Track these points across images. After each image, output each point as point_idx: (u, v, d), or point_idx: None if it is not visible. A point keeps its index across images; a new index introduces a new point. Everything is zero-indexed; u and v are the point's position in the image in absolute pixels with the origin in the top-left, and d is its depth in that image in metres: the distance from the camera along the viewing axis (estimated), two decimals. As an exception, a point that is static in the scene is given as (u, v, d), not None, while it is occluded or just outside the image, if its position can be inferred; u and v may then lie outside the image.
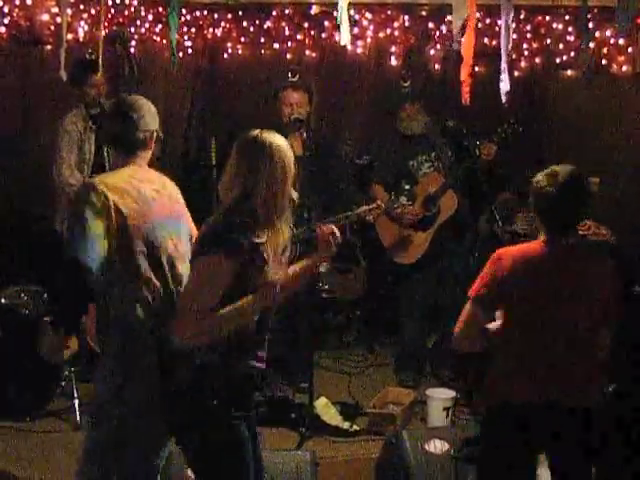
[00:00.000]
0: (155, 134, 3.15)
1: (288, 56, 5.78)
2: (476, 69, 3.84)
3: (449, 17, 4.32)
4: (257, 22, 5.72)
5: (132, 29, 5.57)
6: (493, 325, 3.01)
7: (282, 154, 2.73)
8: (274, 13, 5.69)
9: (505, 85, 3.47)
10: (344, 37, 3.65)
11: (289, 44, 5.75)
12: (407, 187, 4.89)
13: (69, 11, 4.90)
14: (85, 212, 2.91)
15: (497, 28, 5.17)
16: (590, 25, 5.46)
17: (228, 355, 2.70)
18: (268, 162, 2.70)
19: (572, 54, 5.66)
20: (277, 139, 2.77)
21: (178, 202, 3.25)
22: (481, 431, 3.17)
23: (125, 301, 2.97)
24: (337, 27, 5.25)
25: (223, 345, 2.68)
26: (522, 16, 5.55)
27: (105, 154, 4.95)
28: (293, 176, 2.77)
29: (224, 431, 2.75)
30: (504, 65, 3.46)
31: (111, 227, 2.92)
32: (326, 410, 4.49)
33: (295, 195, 2.80)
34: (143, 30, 5.61)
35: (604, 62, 5.63)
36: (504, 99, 3.50)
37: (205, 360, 2.68)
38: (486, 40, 5.49)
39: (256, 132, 2.76)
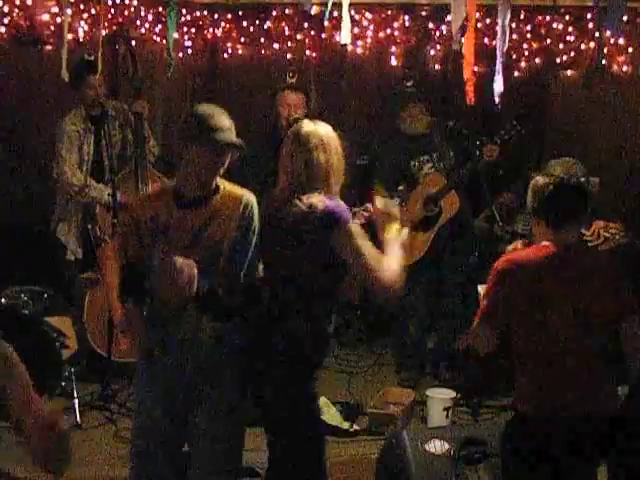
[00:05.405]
0: None
1: (288, 56, 5.77)
2: (476, 69, 3.83)
3: (449, 17, 4.31)
4: (257, 22, 5.72)
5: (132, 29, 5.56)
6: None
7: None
8: (274, 13, 5.69)
9: (499, 86, 3.49)
10: (345, 36, 3.65)
11: (289, 44, 5.74)
12: (401, 187, 4.87)
13: (69, 11, 4.90)
14: None
15: (497, 28, 5.17)
16: (590, 25, 5.48)
17: None
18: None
19: (572, 54, 5.65)
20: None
21: None
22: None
23: None
24: (337, 27, 5.30)
25: None
26: (522, 16, 5.55)
27: (104, 154, 4.95)
28: None
29: None
30: (499, 66, 3.47)
31: None
32: (326, 410, 4.48)
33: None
34: (143, 30, 5.61)
35: (604, 62, 5.62)
36: (497, 100, 3.51)
37: None
38: (486, 40, 5.48)
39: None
